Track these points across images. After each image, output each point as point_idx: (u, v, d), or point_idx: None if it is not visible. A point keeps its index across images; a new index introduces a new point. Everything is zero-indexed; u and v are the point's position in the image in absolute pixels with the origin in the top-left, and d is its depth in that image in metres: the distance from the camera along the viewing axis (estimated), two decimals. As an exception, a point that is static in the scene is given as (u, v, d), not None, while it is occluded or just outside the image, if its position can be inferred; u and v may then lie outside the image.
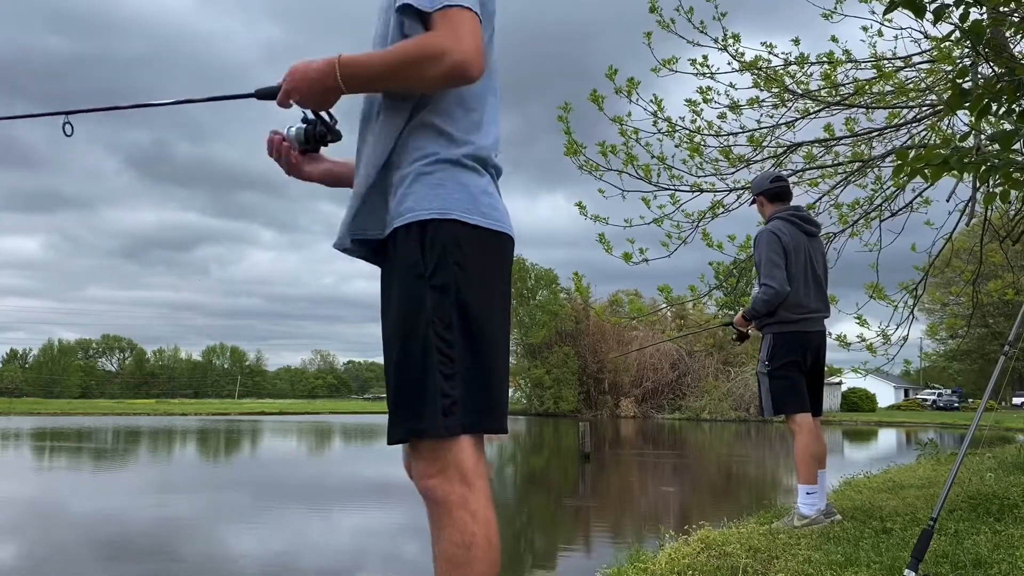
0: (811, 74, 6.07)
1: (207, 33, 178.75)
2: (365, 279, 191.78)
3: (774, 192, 4.75)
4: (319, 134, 1.82)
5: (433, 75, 1.57)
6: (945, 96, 5.40)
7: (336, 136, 1.83)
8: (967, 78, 4.19)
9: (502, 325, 1.67)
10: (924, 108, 6.12)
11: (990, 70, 4.09)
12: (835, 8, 5.66)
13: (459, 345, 1.58)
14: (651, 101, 5.97)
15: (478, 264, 1.62)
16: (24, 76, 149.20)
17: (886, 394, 62.04)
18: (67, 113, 1.85)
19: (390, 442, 1.62)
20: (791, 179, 6.42)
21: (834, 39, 5.85)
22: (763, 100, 6.11)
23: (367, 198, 1.69)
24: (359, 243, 1.73)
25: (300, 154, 1.87)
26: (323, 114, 1.78)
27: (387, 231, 1.66)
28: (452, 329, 1.58)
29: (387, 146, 1.68)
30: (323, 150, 1.90)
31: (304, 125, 1.83)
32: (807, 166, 6.47)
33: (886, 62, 5.85)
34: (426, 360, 1.57)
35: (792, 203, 4.84)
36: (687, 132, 6.14)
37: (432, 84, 1.61)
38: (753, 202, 4.89)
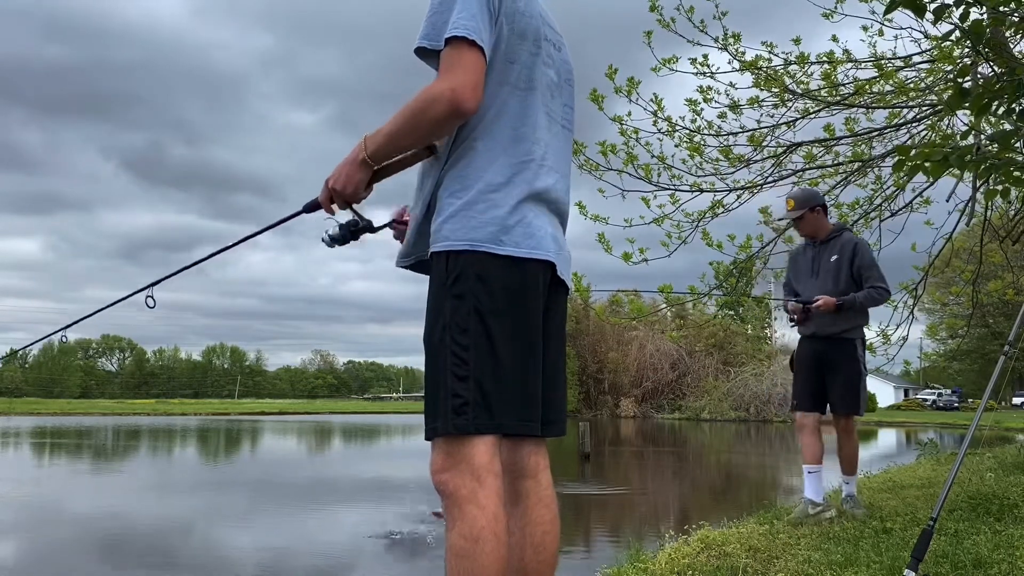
0: (811, 74, 6.07)
1: (201, 41, 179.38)
2: (363, 280, 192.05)
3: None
4: (352, 226, 1.90)
5: (434, 118, 1.63)
6: (945, 96, 5.40)
7: (369, 226, 1.92)
8: (967, 78, 4.19)
9: (529, 339, 1.71)
10: (924, 108, 6.12)
11: (990, 70, 4.09)
12: (835, 8, 5.66)
13: (475, 349, 1.63)
14: (651, 100, 5.97)
15: (504, 284, 1.68)
16: (23, 82, 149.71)
17: (886, 394, 62.01)
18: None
19: (425, 439, 1.71)
20: (791, 179, 6.43)
21: (834, 39, 5.84)
22: (763, 100, 6.10)
23: (414, 237, 1.81)
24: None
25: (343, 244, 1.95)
26: (356, 209, 1.85)
27: (428, 252, 1.75)
28: (468, 334, 1.64)
29: (433, 180, 1.77)
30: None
31: (338, 226, 1.91)
32: (807, 166, 6.47)
33: (886, 62, 5.84)
34: (443, 362, 1.65)
35: None
36: (687, 132, 6.14)
37: (437, 128, 1.67)
38: (811, 211, 4.72)
